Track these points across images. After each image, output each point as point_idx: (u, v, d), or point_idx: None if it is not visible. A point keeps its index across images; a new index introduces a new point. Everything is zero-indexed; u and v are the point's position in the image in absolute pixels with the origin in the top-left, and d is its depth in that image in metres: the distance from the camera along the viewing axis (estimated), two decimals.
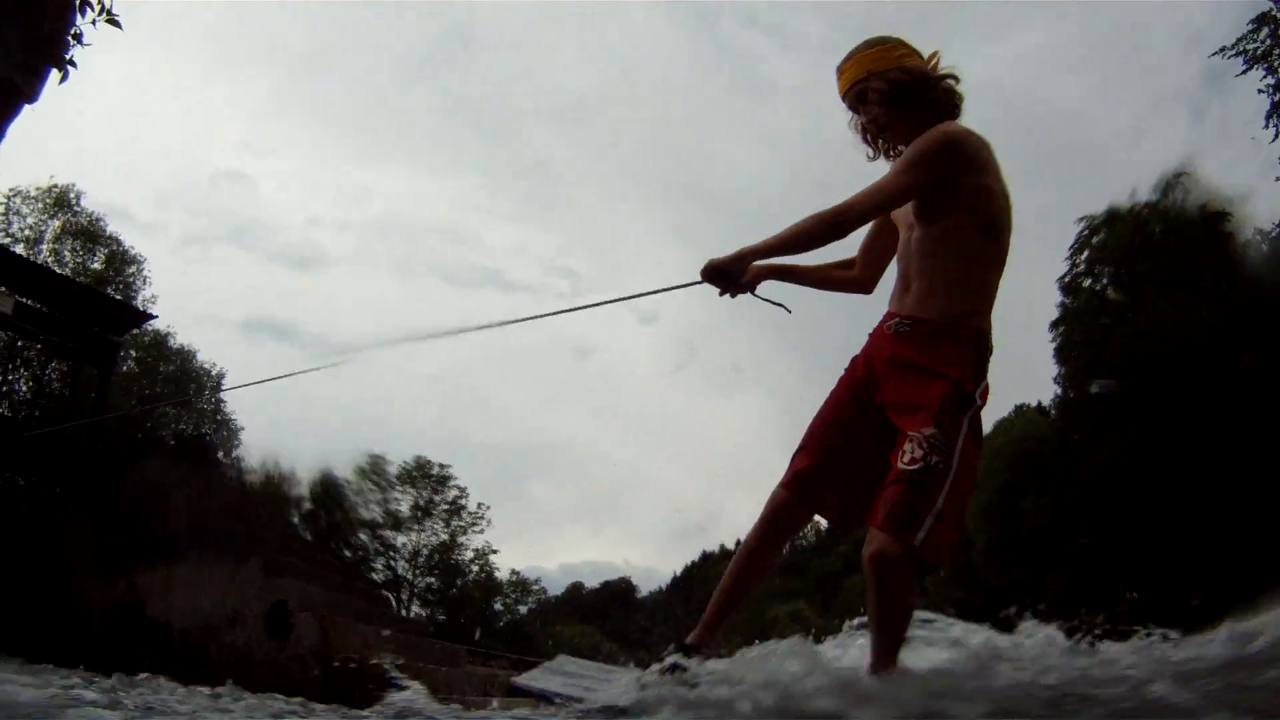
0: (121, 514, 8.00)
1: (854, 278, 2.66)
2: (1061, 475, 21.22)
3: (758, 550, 2.39)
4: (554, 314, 2.99)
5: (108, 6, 4.24)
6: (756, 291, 2.49)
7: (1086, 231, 22.66)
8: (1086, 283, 22.62)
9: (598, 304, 2.84)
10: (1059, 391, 23.34)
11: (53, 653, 6.50)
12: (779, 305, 2.53)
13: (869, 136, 2.49)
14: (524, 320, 2.91)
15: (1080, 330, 22.05)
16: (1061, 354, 22.63)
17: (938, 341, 2.22)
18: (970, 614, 2.63)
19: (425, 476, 32.62)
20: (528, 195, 75.09)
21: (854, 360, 2.43)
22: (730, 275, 2.36)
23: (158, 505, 7.77)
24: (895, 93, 2.39)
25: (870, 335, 2.42)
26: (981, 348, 2.24)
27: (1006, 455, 23.29)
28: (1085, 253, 22.61)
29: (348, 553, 27.84)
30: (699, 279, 2.39)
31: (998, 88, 70.61)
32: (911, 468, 2.07)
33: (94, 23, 4.18)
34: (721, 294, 2.41)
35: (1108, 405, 20.45)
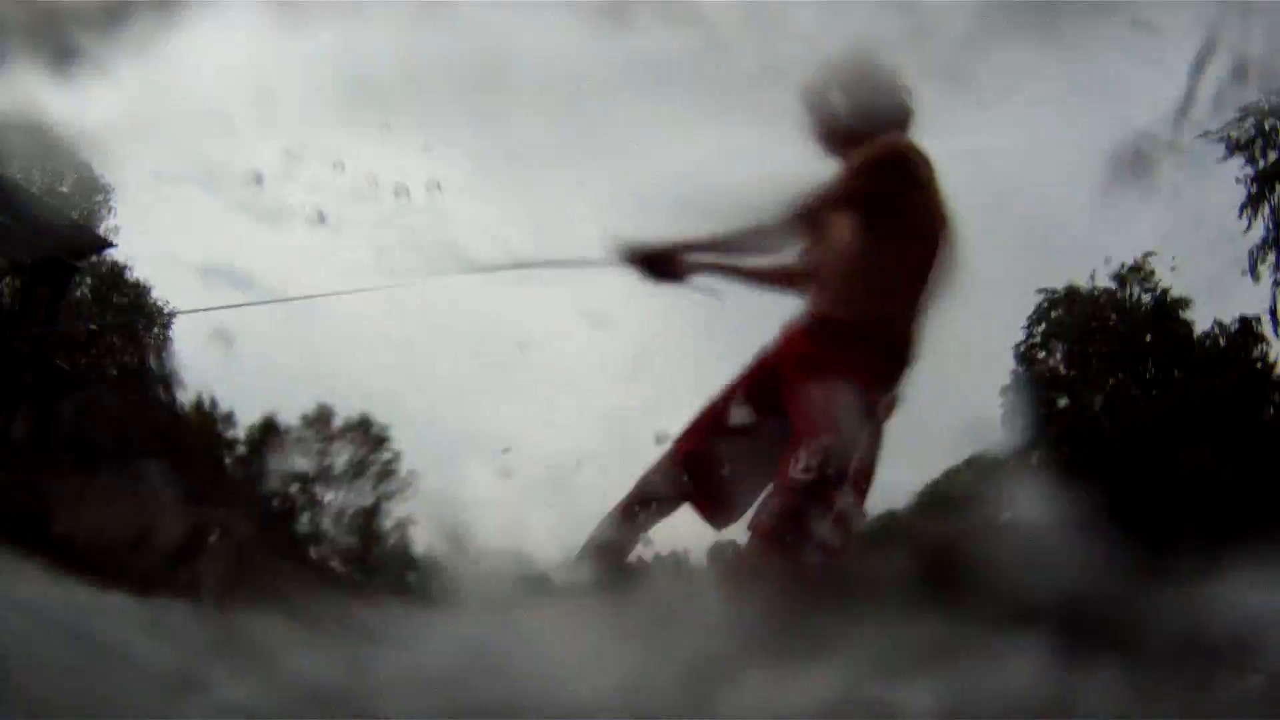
0: (53, 430, 8.05)
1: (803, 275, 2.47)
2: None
3: (614, 538, 2.23)
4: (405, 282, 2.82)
5: None
6: (685, 284, 2.33)
7: (1046, 304, 23.09)
8: (1041, 354, 23.14)
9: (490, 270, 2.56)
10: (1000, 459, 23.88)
11: None
12: (710, 294, 2.35)
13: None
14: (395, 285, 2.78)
15: (1028, 401, 22.34)
16: (1008, 421, 22.97)
17: (849, 344, 2.13)
18: None
19: (365, 435, 31.10)
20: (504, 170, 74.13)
21: (762, 353, 2.36)
22: (660, 267, 2.24)
23: (86, 419, 7.81)
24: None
25: (782, 330, 2.34)
26: (893, 356, 2.16)
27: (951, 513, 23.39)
28: (1042, 325, 23.09)
29: (274, 502, 27.14)
30: (618, 260, 2.23)
31: (977, 156, 72.21)
32: (804, 477, 1.96)
33: None
34: (647, 281, 2.28)
35: (1058, 472, 20.40)
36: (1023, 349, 23.12)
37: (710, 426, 2.28)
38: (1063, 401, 21.64)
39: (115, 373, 20.18)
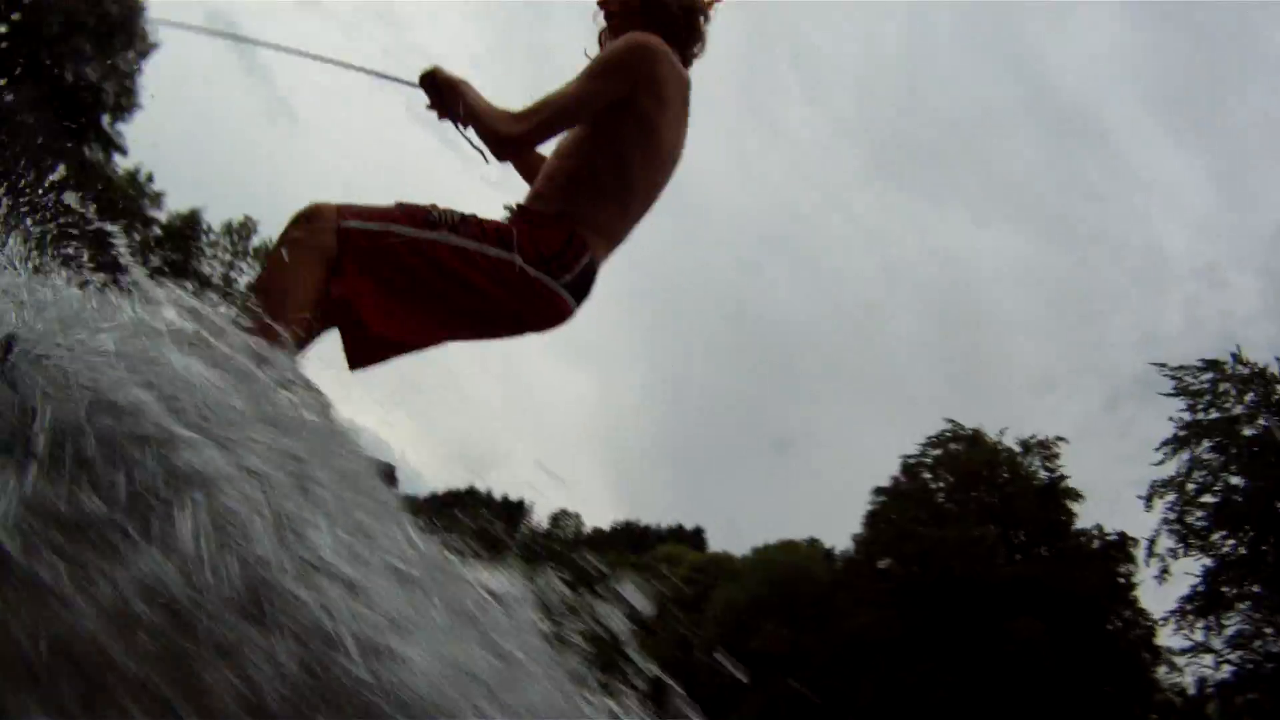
0: None
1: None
2: (813, 620, 22.70)
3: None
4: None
5: None
6: (463, 129, 2.24)
7: (949, 434, 23.78)
8: (926, 475, 23.95)
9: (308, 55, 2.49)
10: (850, 550, 24.90)
11: None
12: (480, 153, 2.25)
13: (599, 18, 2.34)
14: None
15: (897, 510, 23.48)
16: (871, 520, 23.91)
17: (534, 232, 2.07)
18: None
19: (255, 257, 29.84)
20: None
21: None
22: (444, 98, 2.18)
23: None
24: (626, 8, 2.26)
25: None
26: (567, 247, 2.09)
27: (765, 571, 25.07)
28: (939, 450, 23.84)
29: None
30: (415, 81, 2.22)
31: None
32: (434, 213, 2.00)
33: None
34: (430, 109, 2.23)
35: (895, 585, 21.97)
36: (911, 462, 23.88)
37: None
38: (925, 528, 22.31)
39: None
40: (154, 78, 20.78)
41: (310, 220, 1.94)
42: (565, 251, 2.10)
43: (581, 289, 2.15)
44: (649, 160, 2.23)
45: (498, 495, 53.70)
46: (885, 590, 22.17)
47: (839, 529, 33.60)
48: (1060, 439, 22.97)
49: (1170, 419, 18.20)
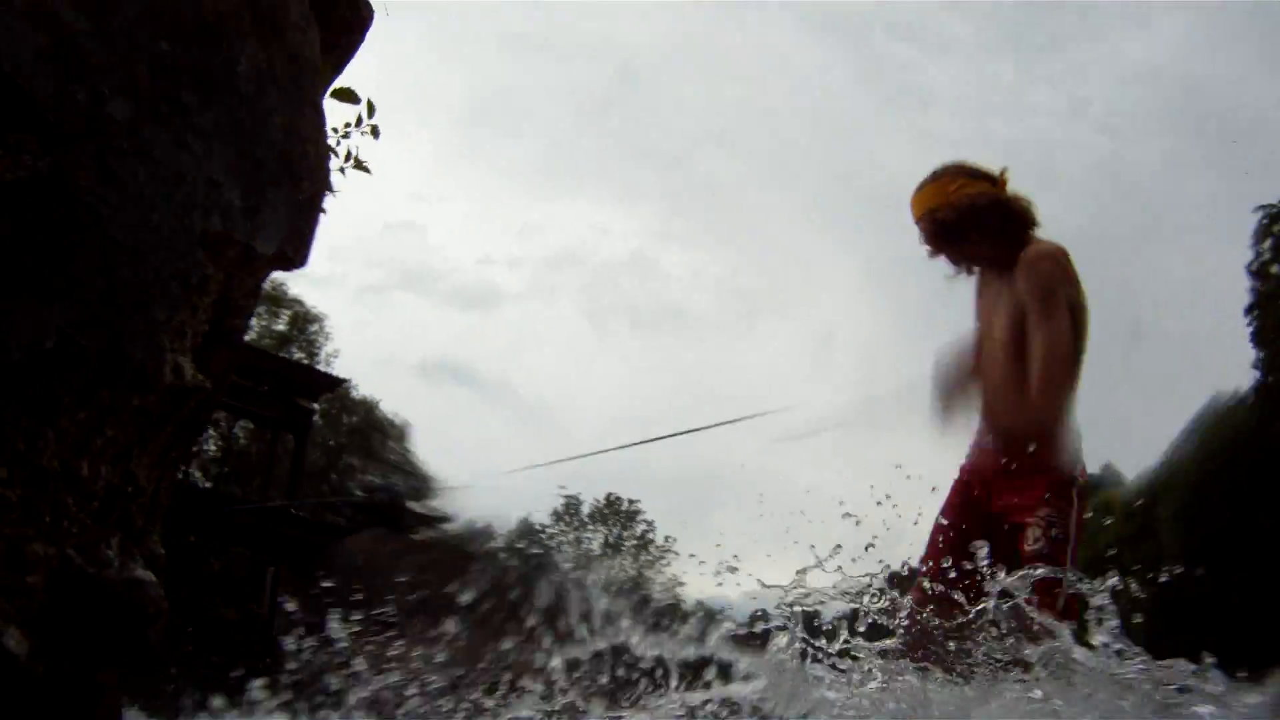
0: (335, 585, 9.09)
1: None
2: (1262, 466, 20.71)
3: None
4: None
5: (355, 153, 3.98)
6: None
7: (1266, 220, 22.16)
8: (1275, 268, 22.19)
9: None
10: (1258, 376, 22.76)
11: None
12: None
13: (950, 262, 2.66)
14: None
15: (1275, 314, 21.76)
16: (1259, 337, 22.35)
17: (1039, 441, 2.39)
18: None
19: (615, 513, 33.44)
20: (701, 221, 74.18)
21: (962, 472, 2.62)
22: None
23: (375, 577, 7.98)
24: (941, 230, 2.53)
25: (971, 449, 2.62)
26: (1067, 439, 2.45)
27: (1203, 448, 22.25)
28: (1268, 240, 22.19)
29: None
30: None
31: (1155, 74, 65.88)
32: (1037, 547, 2.30)
33: (342, 170, 3.94)
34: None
35: None
36: (1255, 267, 22.15)
37: (941, 553, 2.49)
38: None
39: (359, 493, 20.45)
40: None
41: None
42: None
43: None
44: (1086, 327, 2.46)
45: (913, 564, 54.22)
46: None
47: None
48: None
49: None
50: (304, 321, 23.85)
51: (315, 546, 9.10)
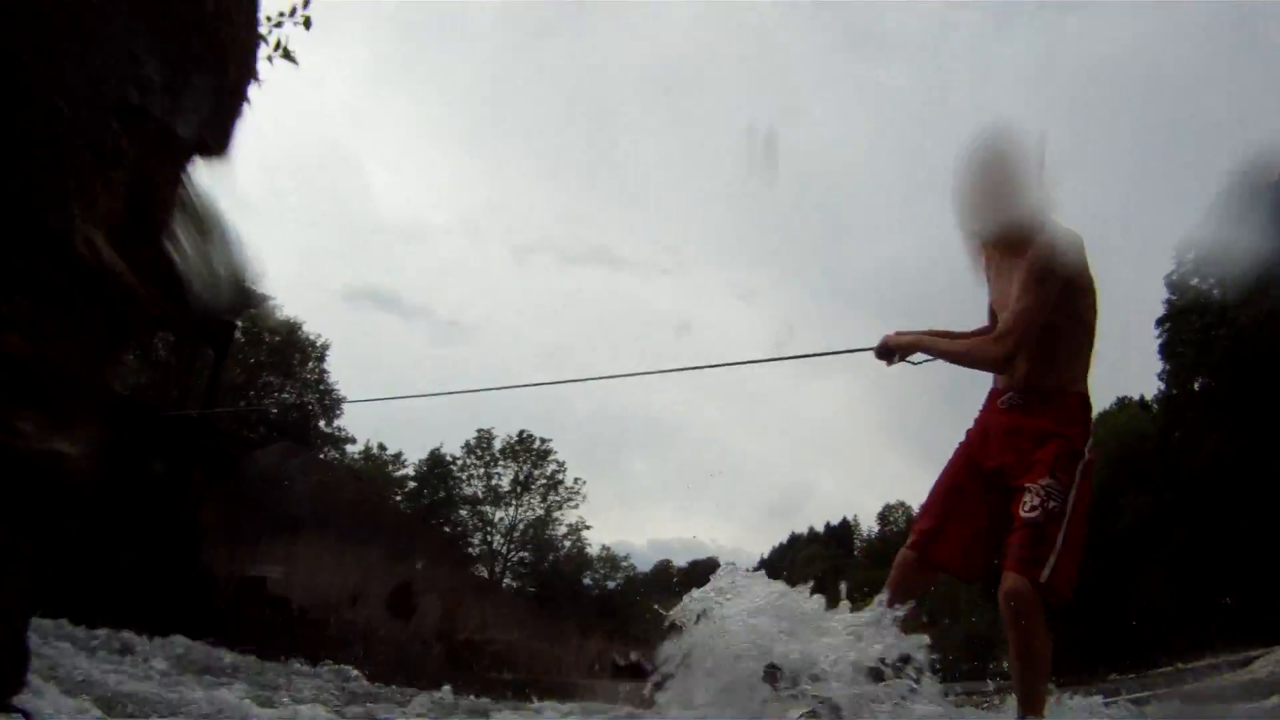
0: (246, 495, 8.28)
1: None
2: (1162, 473, 21.30)
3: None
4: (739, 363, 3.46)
5: (284, 43, 3.91)
6: (909, 360, 2.74)
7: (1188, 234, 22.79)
8: (1194, 281, 22.53)
9: (782, 359, 3.33)
10: (1162, 387, 23.48)
11: (181, 625, 6.52)
12: (926, 360, 2.74)
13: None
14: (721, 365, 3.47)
15: (1186, 328, 22.14)
16: (1167, 350, 22.82)
17: (1048, 407, 2.50)
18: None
19: (527, 450, 32.93)
20: (633, 172, 72.18)
21: (969, 433, 2.68)
22: (893, 355, 2.71)
23: (279, 487, 8.17)
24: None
25: (981, 411, 2.68)
26: (1086, 408, 2.53)
27: (1106, 450, 22.13)
28: (1191, 253, 22.51)
29: (447, 529, 28.35)
30: (870, 348, 2.74)
31: (1109, 62, 65.74)
32: (1031, 515, 2.33)
33: (270, 59, 3.88)
34: (882, 360, 2.74)
35: (1210, 404, 20.62)
36: (1175, 278, 22.52)
37: (941, 503, 2.62)
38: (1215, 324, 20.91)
39: (274, 411, 20.86)
40: None
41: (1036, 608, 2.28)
42: (1087, 420, 2.54)
43: None
44: (1095, 307, 2.56)
45: (819, 529, 54.88)
46: (1212, 412, 20.80)
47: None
48: None
49: None
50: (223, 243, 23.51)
51: (228, 456, 9.18)
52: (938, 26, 74.35)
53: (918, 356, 2.72)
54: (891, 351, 2.72)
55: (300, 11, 3.92)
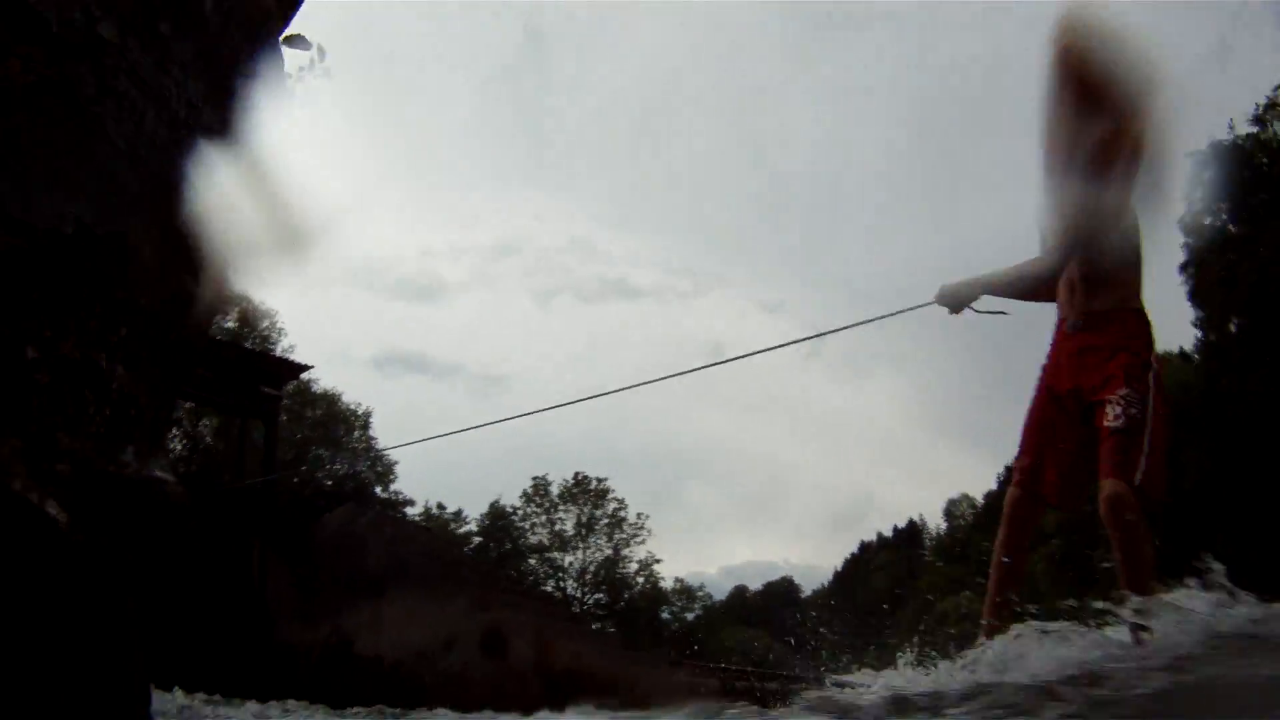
0: (322, 560, 8.44)
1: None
2: (1216, 422, 20.87)
3: (1010, 551, 2.60)
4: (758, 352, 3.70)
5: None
6: (974, 308, 2.76)
7: (1194, 169, 21.41)
8: (1207, 220, 22.11)
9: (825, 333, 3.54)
10: (1199, 335, 23.04)
11: (261, 690, 6.52)
12: (998, 312, 2.77)
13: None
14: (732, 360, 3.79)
15: (1212, 269, 21.59)
16: (1196, 295, 22.36)
17: (1110, 325, 2.57)
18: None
19: (585, 492, 33.25)
20: (638, 199, 72.75)
21: (1044, 368, 2.73)
22: (961, 301, 2.73)
23: (354, 548, 8.37)
24: None
25: (1052, 344, 2.73)
26: (1145, 322, 2.61)
27: None
28: (1198, 190, 21.57)
29: (521, 582, 28.13)
30: (931, 301, 2.76)
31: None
32: (1116, 424, 2.38)
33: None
34: (951, 313, 2.76)
35: (1251, 343, 20.41)
36: (1186, 220, 21.55)
37: (1035, 438, 2.67)
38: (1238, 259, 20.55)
39: (329, 483, 21.02)
40: None
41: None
42: (1147, 332, 2.61)
43: None
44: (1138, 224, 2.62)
45: (888, 533, 53.42)
46: (1254, 351, 20.48)
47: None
48: None
49: None
50: (254, 317, 23.30)
51: (297, 525, 9.38)
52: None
53: (981, 303, 2.75)
54: (952, 301, 2.76)
55: (319, 64, 4.17)
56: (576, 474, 33.39)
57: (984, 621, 2.54)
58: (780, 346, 3.63)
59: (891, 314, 3.01)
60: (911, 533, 53.57)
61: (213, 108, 1.79)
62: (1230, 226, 21.97)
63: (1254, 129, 21.40)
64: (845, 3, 73.65)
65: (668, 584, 34.82)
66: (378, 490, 24.79)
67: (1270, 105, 21.03)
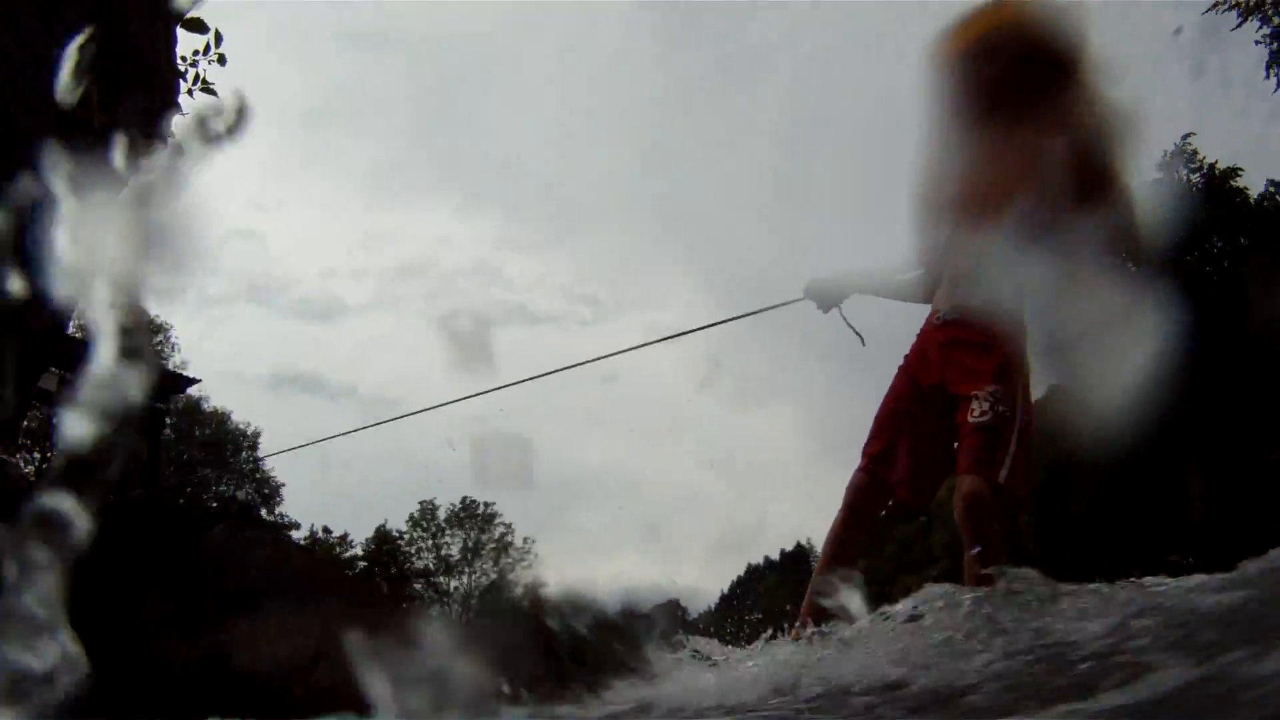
0: (201, 577, 8.26)
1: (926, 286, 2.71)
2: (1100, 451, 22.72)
3: (844, 535, 2.49)
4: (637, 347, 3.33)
5: (203, 75, 4.13)
6: (842, 311, 2.70)
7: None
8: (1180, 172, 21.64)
9: (706, 326, 3.20)
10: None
11: (137, 709, 6.08)
12: (857, 334, 2.69)
13: None
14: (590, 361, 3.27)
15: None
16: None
17: (986, 322, 2.40)
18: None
19: (472, 517, 33.26)
20: (541, 224, 72.60)
21: (906, 357, 2.63)
22: (829, 298, 2.67)
23: (233, 564, 8.27)
24: None
25: (919, 334, 2.62)
26: (1020, 325, 2.44)
27: (1047, 438, 23.56)
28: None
29: (404, 604, 27.86)
30: (801, 297, 2.68)
31: None
32: (982, 419, 2.27)
33: (190, 93, 4.04)
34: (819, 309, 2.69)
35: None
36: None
37: (888, 426, 2.56)
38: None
39: (214, 505, 20.87)
40: None
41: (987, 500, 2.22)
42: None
43: None
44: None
45: (775, 557, 53.93)
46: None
47: None
48: (1188, 136, 20.97)
49: (1257, 42, 16.04)
50: (148, 331, 22.76)
51: (179, 541, 9.10)
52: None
53: (849, 306, 2.69)
54: (821, 296, 2.69)
55: (214, 50, 4.08)
56: (464, 498, 33.39)
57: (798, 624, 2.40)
58: (645, 345, 3.37)
59: (763, 309, 2.91)
60: (798, 556, 54.52)
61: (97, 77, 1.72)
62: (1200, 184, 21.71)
63: (1159, 175, 21.56)
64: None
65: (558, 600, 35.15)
66: (263, 512, 24.46)
67: (1176, 153, 21.41)
